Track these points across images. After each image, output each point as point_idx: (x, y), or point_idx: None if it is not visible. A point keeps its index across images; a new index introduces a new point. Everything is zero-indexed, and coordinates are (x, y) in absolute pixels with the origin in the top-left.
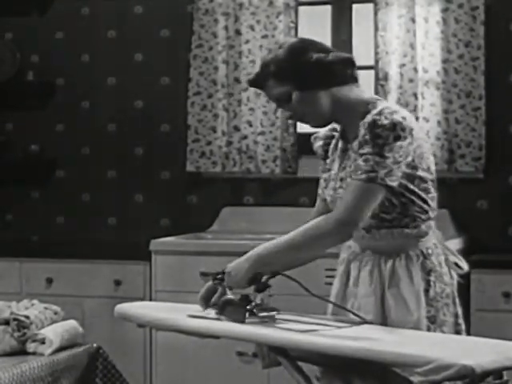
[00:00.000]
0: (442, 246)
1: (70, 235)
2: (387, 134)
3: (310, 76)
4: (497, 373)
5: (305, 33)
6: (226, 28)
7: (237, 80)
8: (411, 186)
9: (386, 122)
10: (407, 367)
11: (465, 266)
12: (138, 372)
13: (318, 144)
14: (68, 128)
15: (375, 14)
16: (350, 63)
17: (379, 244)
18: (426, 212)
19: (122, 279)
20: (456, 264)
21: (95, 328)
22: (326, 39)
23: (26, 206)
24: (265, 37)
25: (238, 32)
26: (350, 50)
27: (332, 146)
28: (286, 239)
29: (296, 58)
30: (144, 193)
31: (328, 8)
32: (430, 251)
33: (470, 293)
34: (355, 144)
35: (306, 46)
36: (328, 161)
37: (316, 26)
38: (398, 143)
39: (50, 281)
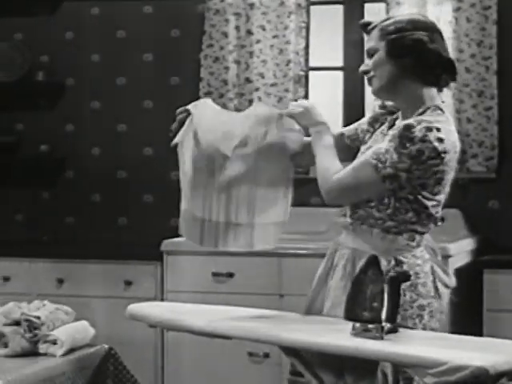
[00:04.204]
0: (433, 260)
1: (80, 235)
2: (411, 147)
3: (413, 68)
4: (510, 374)
5: (316, 33)
6: (237, 28)
7: (248, 80)
8: (411, 197)
9: (416, 134)
10: (420, 368)
11: (451, 282)
12: (148, 372)
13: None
14: (78, 128)
15: (387, 13)
16: (450, 69)
17: (357, 239)
18: (419, 226)
19: (132, 280)
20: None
21: (106, 328)
22: (338, 39)
23: (35, 206)
24: (276, 37)
25: (249, 32)
26: (362, 50)
27: (378, 127)
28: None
29: (416, 47)
30: (154, 193)
31: (340, 8)
32: (405, 259)
33: (482, 293)
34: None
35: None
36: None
37: (328, 25)
38: (419, 158)
39: (60, 281)
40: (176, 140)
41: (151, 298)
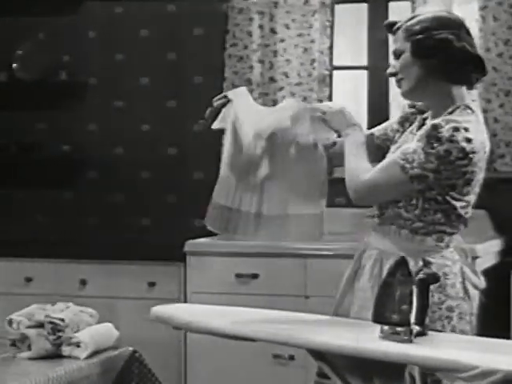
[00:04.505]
0: (463, 261)
1: (102, 236)
2: (439, 147)
3: (441, 68)
4: None
5: (341, 31)
6: (261, 27)
7: (272, 79)
8: (439, 198)
9: (444, 134)
10: (450, 373)
11: (481, 284)
12: (171, 374)
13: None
14: (101, 128)
15: (412, 11)
16: (479, 66)
17: (385, 240)
18: (448, 227)
19: (156, 281)
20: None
21: (128, 329)
22: (363, 38)
23: (58, 207)
24: (300, 35)
25: (273, 31)
26: (386, 49)
27: (408, 126)
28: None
29: (442, 46)
30: (178, 193)
31: (364, 6)
32: (433, 260)
33: (509, 294)
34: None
35: (459, 36)
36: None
37: (352, 24)
38: (447, 159)
39: (83, 282)
40: (214, 126)
41: (174, 299)
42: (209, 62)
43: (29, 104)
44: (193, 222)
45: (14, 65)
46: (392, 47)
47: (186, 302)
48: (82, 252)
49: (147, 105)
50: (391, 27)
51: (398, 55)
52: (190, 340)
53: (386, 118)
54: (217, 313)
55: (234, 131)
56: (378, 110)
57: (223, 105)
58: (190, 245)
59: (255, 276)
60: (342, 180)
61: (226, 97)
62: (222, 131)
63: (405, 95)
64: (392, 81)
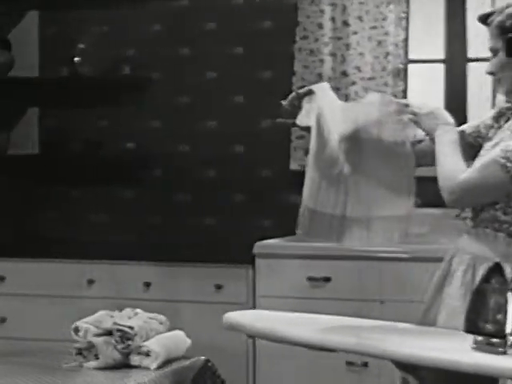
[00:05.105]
0: None
1: (167, 236)
2: None
3: None
4: None
5: (417, 23)
6: (333, 19)
7: (344, 73)
8: None
9: None
10: None
11: None
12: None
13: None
14: (165, 124)
15: (492, 1)
16: None
17: (479, 244)
18: None
19: (223, 283)
20: None
21: (194, 335)
22: (439, 30)
23: (120, 206)
24: (374, 28)
25: (345, 23)
26: (464, 42)
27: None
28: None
29: None
30: (245, 192)
31: None
32: None
33: None
34: None
35: None
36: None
37: (429, 15)
38: None
39: (147, 285)
40: (299, 122)
41: (242, 302)
42: (278, 56)
43: (90, 100)
44: (261, 223)
45: (76, 59)
46: (488, 43)
47: (254, 306)
48: (145, 253)
49: (213, 100)
50: (486, 19)
51: (494, 53)
52: (260, 346)
53: (464, 114)
54: (294, 321)
55: (318, 127)
56: (455, 106)
57: (304, 95)
58: (259, 246)
59: (327, 279)
60: (418, 179)
61: (310, 89)
62: (290, 126)
63: (505, 95)
64: (470, 75)
